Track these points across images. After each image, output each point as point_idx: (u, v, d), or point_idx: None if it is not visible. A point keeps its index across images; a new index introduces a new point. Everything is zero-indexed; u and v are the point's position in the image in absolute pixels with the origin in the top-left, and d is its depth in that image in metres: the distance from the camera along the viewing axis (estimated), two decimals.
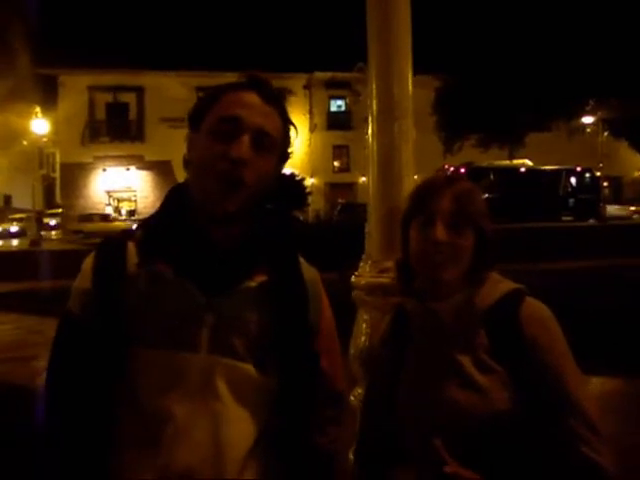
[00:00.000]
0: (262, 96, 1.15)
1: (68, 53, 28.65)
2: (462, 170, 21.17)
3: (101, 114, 32.95)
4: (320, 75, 33.84)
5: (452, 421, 1.18)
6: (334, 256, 7.02)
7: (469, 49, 25.06)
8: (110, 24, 35.80)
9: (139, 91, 32.98)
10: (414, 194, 1.32)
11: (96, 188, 32.67)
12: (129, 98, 33.22)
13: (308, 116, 34.50)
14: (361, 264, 2.06)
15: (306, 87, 35.05)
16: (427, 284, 1.28)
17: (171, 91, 30.27)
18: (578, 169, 26.02)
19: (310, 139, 34.06)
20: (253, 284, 1.13)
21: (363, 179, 28.09)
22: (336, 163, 36.02)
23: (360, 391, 1.89)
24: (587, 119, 27.17)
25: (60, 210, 32.96)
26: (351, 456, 1.70)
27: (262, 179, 1.12)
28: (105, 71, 30.79)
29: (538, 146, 28.24)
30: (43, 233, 26.39)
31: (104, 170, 32.44)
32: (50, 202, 37.36)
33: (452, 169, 20.85)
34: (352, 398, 1.93)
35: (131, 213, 32.06)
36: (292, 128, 1.21)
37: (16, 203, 39.47)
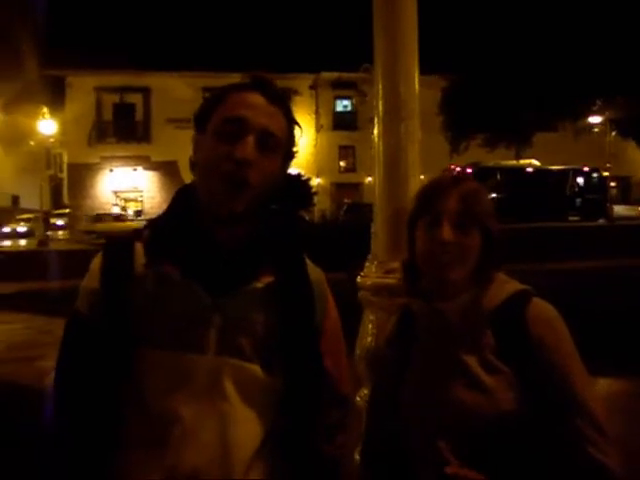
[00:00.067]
0: (266, 96, 1.15)
1: (75, 54, 28.75)
2: (469, 170, 21.11)
3: (108, 115, 33.07)
4: (326, 75, 33.81)
5: (458, 421, 1.18)
6: (340, 256, 7.00)
7: (476, 49, 24.97)
8: (117, 25, 35.90)
9: (146, 92, 33.08)
10: (420, 194, 1.32)
11: (103, 188, 32.78)
12: (136, 99, 33.33)
13: (314, 116, 34.50)
14: (367, 264, 2.06)
15: (312, 87, 35.04)
16: (433, 284, 1.27)
17: (177, 92, 30.34)
18: (585, 169, 25.90)
19: (316, 139, 34.06)
20: (259, 285, 1.13)
21: (369, 179, 28.05)
22: (342, 163, 35.98)
23: (366, 392, 1.89)
24: (594, 119, 27.00)
25: (67, 210, 33.11)
26: (357, 456, 1.70)
27: (267, 179, 1.13)
28: (112, 72, 30.90)
29: (545, 146, 28.11)
30: (50, 233, 26.51)
31: (111, 170, 32.55)
32: (57, 202, 37.51)
33: (458, 169, 20.78)
34: (358, 399, 1.93)
35: (138, 213, 32.14)
36: (297, 128, 1.22)
37: (24, 203, 39.70)
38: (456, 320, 1.25)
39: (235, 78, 1.22)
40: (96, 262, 1.15)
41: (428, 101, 18.05)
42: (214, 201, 1.10)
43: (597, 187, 25.68)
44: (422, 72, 2.02)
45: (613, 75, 23.88)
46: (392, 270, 1.90)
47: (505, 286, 1.26)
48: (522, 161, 26.80)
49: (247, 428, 1.10)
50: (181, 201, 1.18)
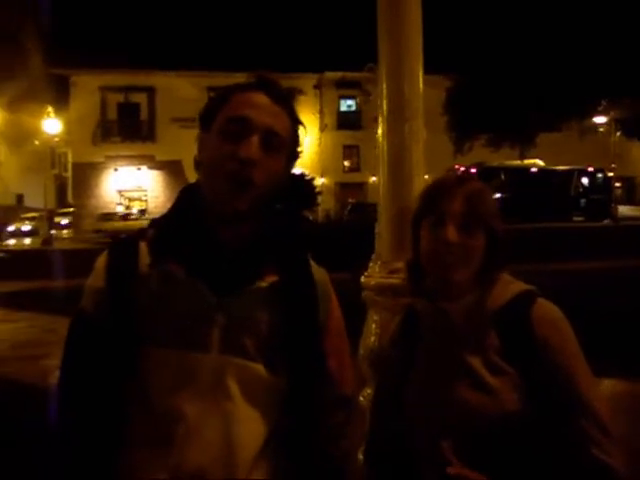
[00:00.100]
0: (271, 96, 1.15)
1: (80, 53, 28.86)
2: (473, 170, 21.09)
3: (112, 114, 33.16)
4: (330, 75, 33.83)
5: (462, 421, 1.18)
6: (344, 256, 7.00)
7: (480, 49, 24.95)
8: (121, 24, 36.02)
9: (150, 91, 33.15)
10: (424, 194, 1.32)
11: (107, 188, 32.88)
12: (140, 98, 33.40)
13: (318, 116, 34.51)
14: (371, 264, 2.06)
15: (316, 87, 35.06)
16: (438, 284, 1.27)
17: (182, 91, 30.40)
18: (590, 169, 25.85)
19: (320, 139, 34.07)
20: (263, 284, 1.13)
21: (373, 179, 28.02)
22: (346, 163, 36.00)
23: (369, 392, 1.89)
24: (599, 119, 26.92)
25: (72, 209, 33.21)
26: (361, 456, 1.70)
27: (271, 179, 1.13)
28: (116, 71, 31.00)
29: (549, 146, 28.06)
30: (54, 232, 26.58)
31: (115, 170, 32.64)
32: (62, 201, 37.65)
33: (463, 169, 20.77)
34: (361, 398, 1.93)
35: (142, 212, 32.22)
36: (301, 128, 1.22)
37: (28, 202, 39.77)
38: (460, 320, 1.25)
39: (240, 78, 1.22)
40: (101, 261, 1.16)
41: (432, 101, 17.99)
42: (218, 200, 1.11)
43: (602, 187, 25.61)
44: (426, 72, 2.02)
45: (618, 75, 23.84)
46: (396, 270, 1.90)
47: (510, 286, 1.26)
48: (526, 161, 26.76)
49: (251, 427, 1.10)
50: (185, 200, 1.19)
